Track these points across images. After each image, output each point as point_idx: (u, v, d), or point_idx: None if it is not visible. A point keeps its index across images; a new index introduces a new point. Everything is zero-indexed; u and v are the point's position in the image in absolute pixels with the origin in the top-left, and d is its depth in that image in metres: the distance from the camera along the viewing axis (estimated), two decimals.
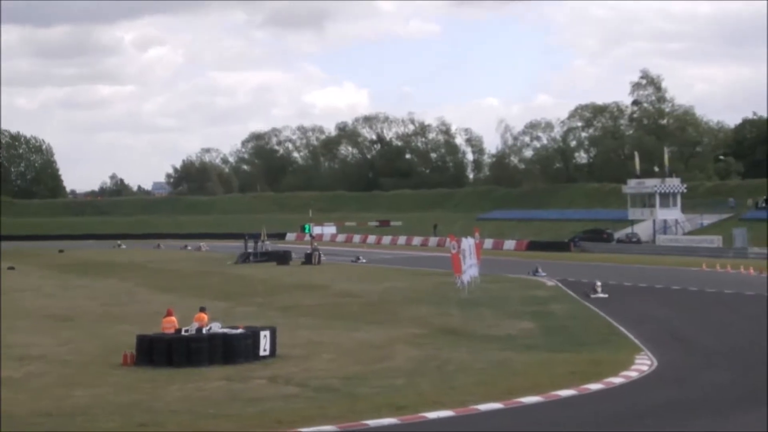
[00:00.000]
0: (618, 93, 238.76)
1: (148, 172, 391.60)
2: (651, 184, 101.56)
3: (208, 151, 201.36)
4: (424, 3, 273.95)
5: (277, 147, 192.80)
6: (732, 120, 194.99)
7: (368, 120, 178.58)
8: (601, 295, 51.34)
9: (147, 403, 26.44)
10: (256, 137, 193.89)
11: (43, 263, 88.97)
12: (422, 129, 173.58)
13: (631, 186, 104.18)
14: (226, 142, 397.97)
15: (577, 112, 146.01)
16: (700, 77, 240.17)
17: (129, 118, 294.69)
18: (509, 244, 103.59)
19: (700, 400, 26.24)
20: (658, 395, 26.94)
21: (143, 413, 25.13)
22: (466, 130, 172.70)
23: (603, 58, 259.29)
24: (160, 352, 32.37)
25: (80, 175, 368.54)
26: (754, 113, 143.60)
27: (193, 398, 27.19)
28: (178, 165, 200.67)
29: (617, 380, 28.61)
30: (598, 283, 53.59)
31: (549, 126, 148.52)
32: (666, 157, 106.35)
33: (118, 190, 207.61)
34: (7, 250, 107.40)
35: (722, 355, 33.12)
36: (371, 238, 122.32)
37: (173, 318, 34.22)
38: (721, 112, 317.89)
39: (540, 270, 67.34)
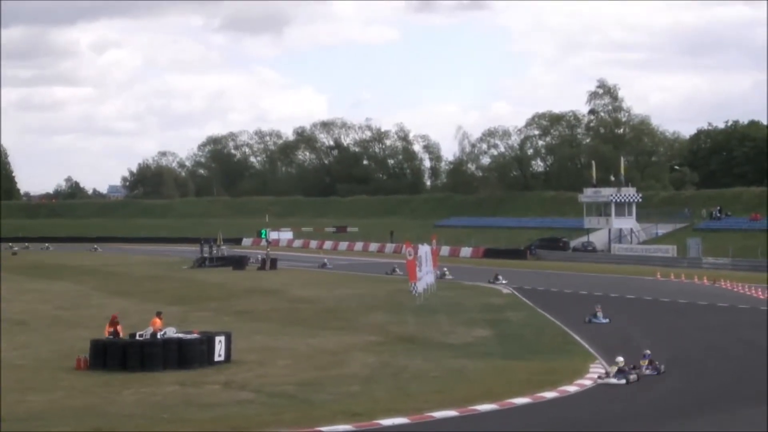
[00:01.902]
0: (575, 102, 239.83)
1: (103, 175, 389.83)
2: (607, 193, 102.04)
3: (164, 154, 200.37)
4: (382, 9, 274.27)
5: (234, 151, 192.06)
6: (687, 130, 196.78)
7: (326, 125, 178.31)
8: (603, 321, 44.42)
9: (101, 408, 26.31)
10: (213, 141, 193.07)
11: None
12: (380, 135, 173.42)
13: (587, 195, 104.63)
14: (182, 146, 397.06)
15: (535, 120, 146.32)
16: (656, 87, 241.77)
17: (85, 120, 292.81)
18: (466, 251, 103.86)
19: (653, 408, 26.42)
20: (611, 403, 27.11)
21: (97, 418, 25.00)
22: (424, 137, 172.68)
23: (560, 66, 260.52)
24: (114, 356, 32.24)
25: (35, 178, 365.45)
26: (710, 123, 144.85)
27: (148, 403, 27.09)
28: (134, 168, 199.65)
29: (572, 388, 28.75)
30: (598, 307, 46.25)
31: (506, 134, 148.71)
32: (622, 166, 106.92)
33: (72, 192, 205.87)
34: None
35: (675, 363, 33.32)
36: (328, 244, 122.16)
37: (109, 324, 34.45)
38: (677, 123, 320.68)
39: (600, 314, 45.80)
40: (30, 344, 38.64)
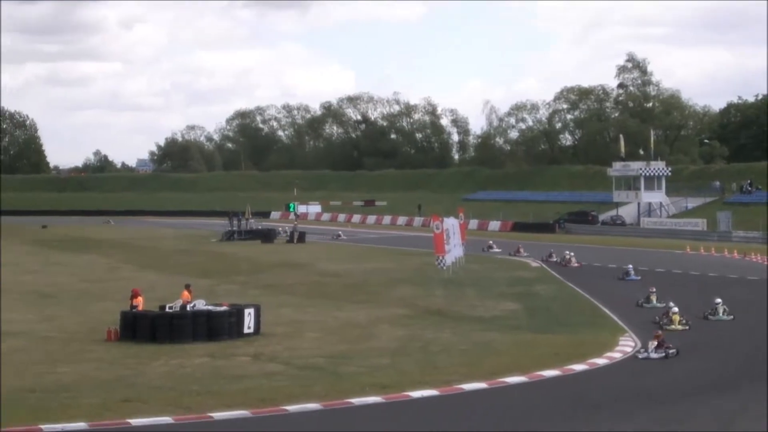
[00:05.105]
0: (601, 77, 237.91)
1: (132, 149, 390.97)
2: (636, 166, 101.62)
3: (192, 128, 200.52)
4: None
5: (261, 125, 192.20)
6: (717, 104, 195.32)
7: (352, 100, 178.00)
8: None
9: (130, 379, 26.40)
10: (241, 115, 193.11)
11: (26, 239, 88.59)
12: (408, 109, 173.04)
13: (616, 168, 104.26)
14: (209, 121, 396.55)
15: (563, 94, 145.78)
16: (683, 62, 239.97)
17: (113, 95, 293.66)
18: (494, 224, 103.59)
19: (682, 382, 26.28)
20: (640, 377, 26.97)
21: (126, 389, 25.08)
22: (452, 111, 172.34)
23: (585, 42, 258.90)
24: (143, 328, 32.33)
25: (64, 151, 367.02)
26: (739, 97, 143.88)
27: (177, 375, 27.16)
28: (162, 143, 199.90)
29: (601, 361, 28.66)
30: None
31: (534, 108, 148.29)
32: (651, 140, 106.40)
33: (101, 166, 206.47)
34: None
35: (704, 337, 33.14)
36: (356, 218, 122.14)
37: (130, 298, 34.72)
38: (707, 97, 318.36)
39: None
40: (59, 316, 38.80)
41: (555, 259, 62.46)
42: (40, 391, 24.88)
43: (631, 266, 54.05)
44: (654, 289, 41.94)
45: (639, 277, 51.88)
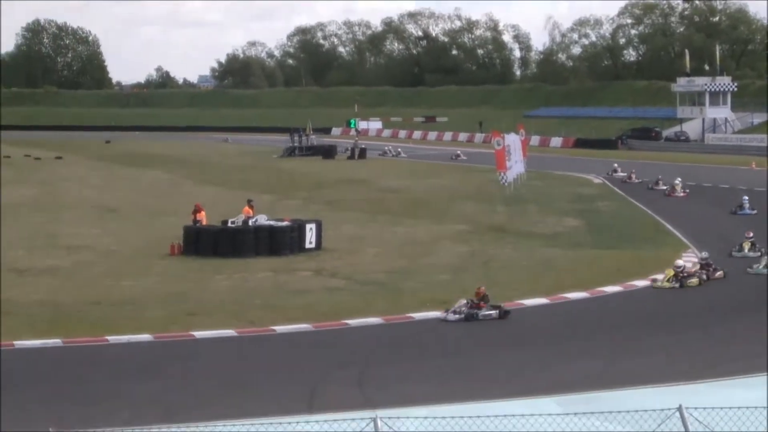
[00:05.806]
0: None
1: (193, 66, 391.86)
2: (701, 82, 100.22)
3: (253, 44, 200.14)
4: None
5: (322, 41, 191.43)
6: None
7: (413, 16, 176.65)
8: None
9: (194, 293, 26.68)
10: (302, 31, 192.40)
11: (89, 154, 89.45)
12: (469, 25, 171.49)
13: (681, 84, 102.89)
14: (270, 38, 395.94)
15: (627, 9, 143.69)
16: None
17: (174, 11, 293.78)
18: (556, 141, 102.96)
19: (743, 298, 26.12)
20: (702, 293, 26.84)
21: (190, 303, 25.37)
22: (514, 27, 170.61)
23: None
24: (206, 243, 32.61)
25: (126, 68, 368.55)
26: None
27: (240, 289, 27.41)
28: (223, 59, 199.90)
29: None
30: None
31: (598, 23, 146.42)
32: (717, 55, 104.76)
33: (163, 82, 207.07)
34: (54, 139, 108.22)
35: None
36: (417, 134, 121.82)
37: (193, 212, 35.13)
38: None
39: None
40: (122, 231, 39.20)
41: (663, 188, 53.97)
42: (105, 304, 25.24)
43: (746, 198, 45.56)
44: (751, 234, 33.48)
45: (755, 211, 43.87)
